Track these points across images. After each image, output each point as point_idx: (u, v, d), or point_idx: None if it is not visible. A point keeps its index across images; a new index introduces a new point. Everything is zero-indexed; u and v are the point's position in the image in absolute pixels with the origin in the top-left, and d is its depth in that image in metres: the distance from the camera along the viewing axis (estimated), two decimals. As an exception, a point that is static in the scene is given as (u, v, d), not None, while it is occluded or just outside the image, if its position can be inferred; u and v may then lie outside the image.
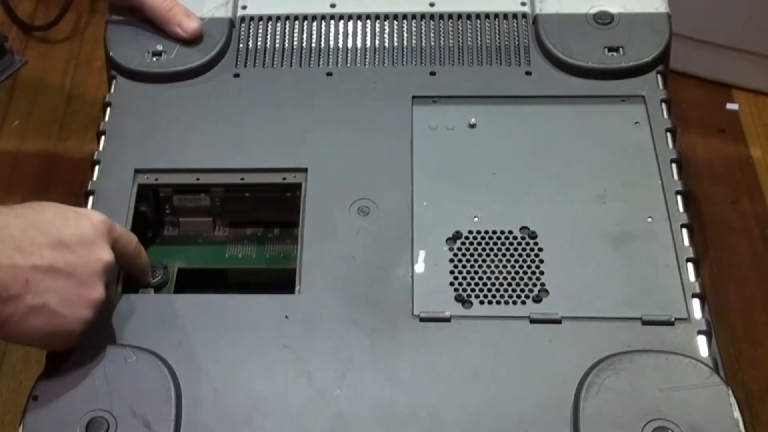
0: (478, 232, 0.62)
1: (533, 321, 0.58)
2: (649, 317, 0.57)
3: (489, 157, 0.66)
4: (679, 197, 0.63)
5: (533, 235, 0.61)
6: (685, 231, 0.61)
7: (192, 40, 0.72)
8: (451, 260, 0.61)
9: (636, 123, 0.67)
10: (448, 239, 0.62)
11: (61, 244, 0.53)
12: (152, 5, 0.72)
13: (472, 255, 0.61)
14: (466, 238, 0.62)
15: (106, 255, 0.55)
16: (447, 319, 0.58)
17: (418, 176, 0.65)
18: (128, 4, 0.73)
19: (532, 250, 0.61)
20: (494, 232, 0.62)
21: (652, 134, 0.66)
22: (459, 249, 0.61)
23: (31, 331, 0.52)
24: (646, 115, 0.67)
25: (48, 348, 0.56)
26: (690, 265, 0.60)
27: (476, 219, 0.62)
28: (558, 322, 0.58)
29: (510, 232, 0.62)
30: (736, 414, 0.52)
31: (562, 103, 0.69)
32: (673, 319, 0.57)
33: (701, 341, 0.57)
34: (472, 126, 0.67)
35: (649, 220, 0.62)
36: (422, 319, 0.58)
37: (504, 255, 0.61)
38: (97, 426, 0.53)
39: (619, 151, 0.66)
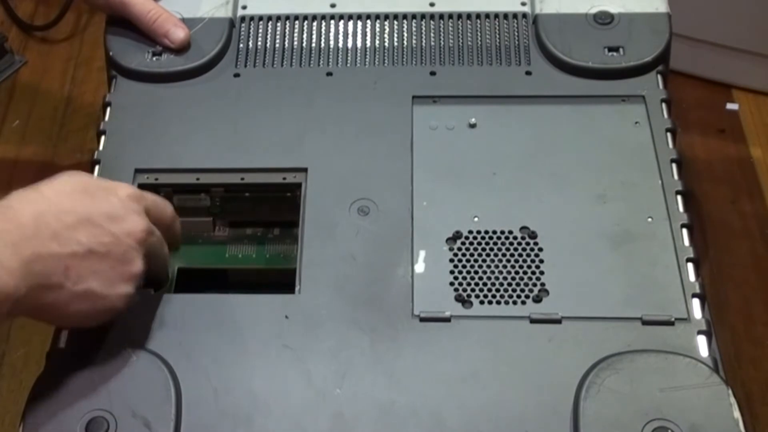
0: (478, 232, 0.62)
1: (533, 321, 0.58)
2: (649, 317, 0.57)
3: (489, 157, 0.66)
4: (679, 197, 0.63)
5: (533, 235, 0.61)
6: (685, 231, 0.61)
7: (180, 50, 0.72)
8: (451, 260, 0.61)
9: (636, 123, 0.67)
10: (448, 239, 0.62)
11: (92, 224, 0.53)
12: (137, 16, 0.72)
13: (472, 255, 0.61)
14: (466, 238, 0.62)
15: (139, 226, 0.55)
16: (447, 319, 0.58)
17: (418, 176, 0.65)
18: (118, 16, 0.73)
19: (532, 250, 0.61)
20: (494, 232, 0.62)
21: (652, 134, 0.66)
22: (459, 249, 0.61)
23: (75, 314, 0.53)
24: (646, 115, 0.67)
25: (89, 326, 0.56)
26: (690, 265, 0.60)
27: (476, 219, 0.62)
28: (558, 322, 0.58)
29: (510, 232, 0.62)
30: (736, 414, 0.52)
31: (562, 103, 0.69)
32: (673, 319, 0.57)
33: (701, 341, 0.57)
34: (472, 126, 0.67)
35: (649, 220, 0.62)
36: (422, 319, 0.58)
37: (504, 255, 0.61)
38: (97, 426, 0.53)
39: (619, 151, 0.66)
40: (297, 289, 0.60)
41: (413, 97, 0.69)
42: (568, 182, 0.64)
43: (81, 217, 0.53)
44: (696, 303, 0.58)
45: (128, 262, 0.54)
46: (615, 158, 0.65)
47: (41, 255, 0.50)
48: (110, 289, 0.54)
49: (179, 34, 0.71)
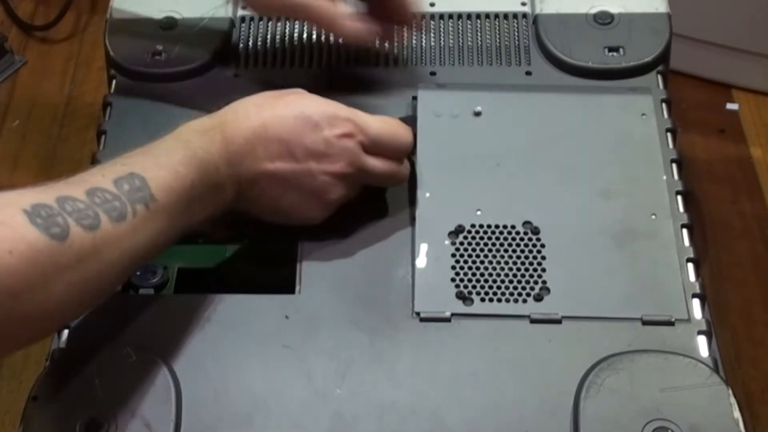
0: (481, 226, 0.61)
1: (533, 321, 0.58)
2: (649, 317, 0.57)
3: (493, 146, 0.65)
4: (679, 197, 0.63)
5: (536, 231, 0.61)
6: (685, 231, 0.61)
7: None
8: (453, 255, 0.60)
9: (643, 115, 0.67)
10: (450, 233, 0.61)
11: (293, 157, 0.57)
12: (315, 20, 0.67)
13: (474, 250, 0.61)
14: (468, 232, 0.61)
15: (337, 167, 0.58)
16: (447, 319, 0.58)
17: (422, 166, 0.64)
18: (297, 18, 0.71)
19: (534, 246, 0.61)
20: (497, 227, 0.61)
21: (659, 126, 0.66)
22: (461, 243, 0.61)
23: (266, 219, 0.61)
24: (652, 106, 0.67)
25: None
26: (690, 265, 0.60)
27: (479, 212, 0.62)
28: (558, 322, 0.57)
29: (513, 227, 0.61)
30: (736, 414, 0.52)
31: (569, 92, 0.68)
32: (673, 319, 0.57)
33: (701, 341, 0.57)
34: (477, 114, 0.67)
35: (653, 217, 0.62)
36: (422, 319, 0.58)
37: (506, 251, 0.61)
38: (97, 426, 0.53)
39: (625, 143, 0.65)
40: (297, 289, 0.60)
41: (413, 98, 0.69)
42: (572, 175, 0.64)
43: (284, 149, 0.57)
44: (696, 303, 0.58)
45: (324, 194, 0.59)
46: (620, 151, 0.65)
47: (247, 175, 0.57)
48: (300, 213, 0.60)
49: (358, 28, 0.67)
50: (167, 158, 0.54)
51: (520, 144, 0.65)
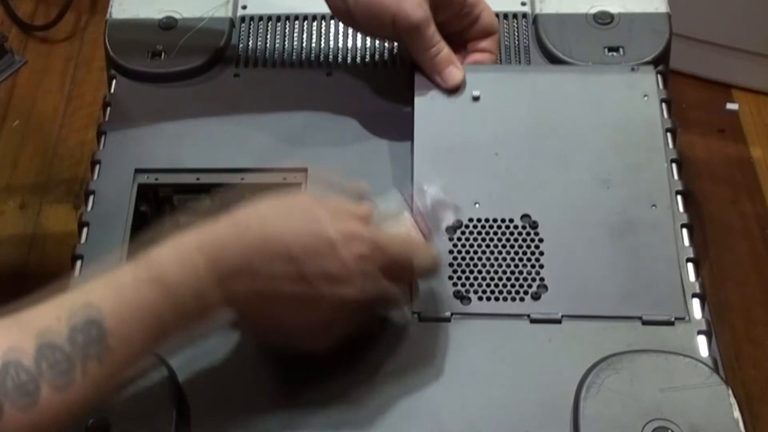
0: (479, 220, 0.61)
1: (533, 320, 0.58)
2: (649, 317, 0.57)
3: (492, 134, 0.64)
4: (679, 197, 0.63)
5: (534, 225, 0.61)
6: (685, 231, 0.61)
7: (453, 90, 0.66)
8: (451, 251, 0.60)
9: (645, 96, 0.66)
10: (447, 228, 0.61)
11: (304, 280, 0.51)
12: (420, 45, 0.65)
13: (471, 246, 0.60)
14: (466, 227, 0.61)
15: (351, 294, 0.52)
16: (447, 319, 0.58)
17: (419, 156, 0.64)
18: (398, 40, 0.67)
19: (532, 241, 0.60)
20: (495, 221, 0.61)
21: (661, 108, 0.65)
22: (459, 239, 0.61)
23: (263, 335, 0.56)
24: (655, 86, 0.66)
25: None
26: (690, 265, 0.60)
27: (477, 205, 0.62)
28: (558, 321, 0.57)
29: (511, 221, 0.61)
30: (736, 414, 0.52)
31: (570, 72, 0.68)
32: (673, 319, 0.57)
33: (701, 341, 0.57)
34: (476, 99, 0.67)
35: (653, 207, 0.61)
36: (422, 319, 0.58)
37: (504, 246, 0.60)
38: (97, 427, 0.53)
39: (626, 127, 0.64)
40: (297, 289, 0.60)
41: (411, 95, 0.69)
42: (572, 163, 0.63)
43: (293, 268, 0.50)
44: (696, 303, 0.58)
45: (331, 322, 0.53)
46: (621, 136, 0.64)
47: (239, 295, 0.50)
48: (301, 341, 0.54)
49: (457, 75, 0.66)
50: (132, 295, 0.48)
51: (520, 130, 0.64)
